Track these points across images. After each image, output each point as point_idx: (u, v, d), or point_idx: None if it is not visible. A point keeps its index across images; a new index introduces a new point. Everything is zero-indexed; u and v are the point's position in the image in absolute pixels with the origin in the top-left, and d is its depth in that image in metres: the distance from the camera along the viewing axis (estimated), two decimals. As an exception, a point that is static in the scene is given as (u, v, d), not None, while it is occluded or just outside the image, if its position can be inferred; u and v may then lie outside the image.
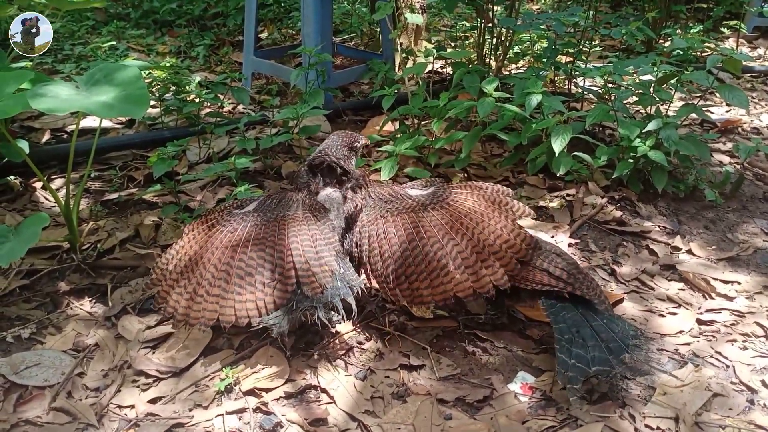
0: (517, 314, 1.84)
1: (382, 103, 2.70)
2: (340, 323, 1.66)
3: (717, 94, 2.69)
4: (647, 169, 2.47)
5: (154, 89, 2.85)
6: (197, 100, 2.85)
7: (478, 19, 3.41)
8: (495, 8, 3.26)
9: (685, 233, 2.30)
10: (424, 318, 1.82)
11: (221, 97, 2.98)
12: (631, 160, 2.43)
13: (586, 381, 1.51)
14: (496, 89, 2.46)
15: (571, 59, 3.13)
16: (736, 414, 1.52)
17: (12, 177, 2.45)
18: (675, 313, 1.88)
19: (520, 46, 3.92)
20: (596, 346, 1.52)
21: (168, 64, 2.96)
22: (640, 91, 2.56)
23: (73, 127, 2.82)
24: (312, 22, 3.10)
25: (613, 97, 2.57)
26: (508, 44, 3.38)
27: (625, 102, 2.64)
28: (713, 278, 2.03)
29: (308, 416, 1.50)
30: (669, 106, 2.78)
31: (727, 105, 3.44)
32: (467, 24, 4.48)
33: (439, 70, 3.81)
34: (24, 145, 2.22)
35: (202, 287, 1.56)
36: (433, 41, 4.20)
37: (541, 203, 2.43)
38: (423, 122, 2.90)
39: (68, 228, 2.02)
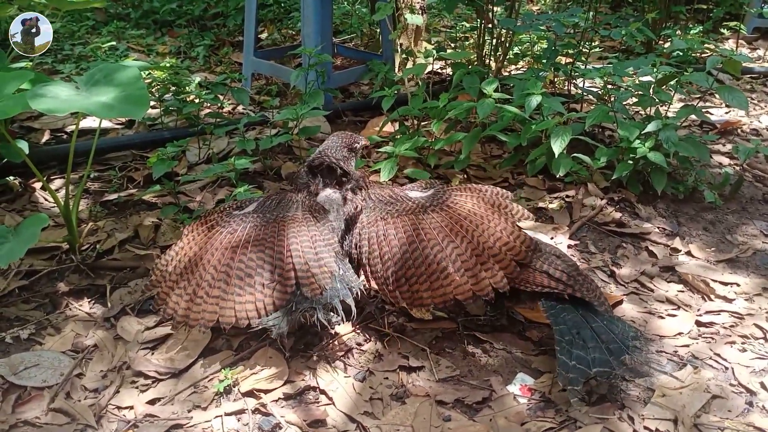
0: (516, 316, 1.84)
1: (382, 104, 2.70)
2: (339, 324, 1.66)
3: (716, 96, 2.69)
4: (647, 170, 2.47)
5: (153, 90, 2.85)
6: (197, 101, 2.85)
7: (478, 20, 3.41)
8: (495, 9, 3.26)
9: (685, 235, 2.30)
10: (424, 319, 1.82)
11: (221, 97, 2.98)
12: (631, 162, 2.43)
13: (587, 382, 1.51)
14: (495, 90, 2.46)
15: (571, 60, 3.13)
16: (735, 416, 1.52)
17: (11, 177, 2.45)
18: (674, 315, 1.89)
19: (519, 47, 3.92)
20: (596, 347, 1.52)
21: (168, 65, 2.96)
22: (640, 93, 2.56)
23: (73, 127, 2.82)
24: (312, 22, 3.10)
25: (612, 99, 2.57)
26: (507, 45, 3.38)
27: (624, 103, 2.64)
28: (712, 280, 2.03)
29: (307, 417, 1.50)
30: (668, 108, 2.78)
31: (727, 106, 3.44)
32: (467, 25, 4.48)
33: (439, 71, 3.81)
34: (23, 146, 2.21)
35: (202, 288, 1.56)
36: (433, 42, 4.20)
37: (541, 204, 2.43)
38: (423, 123, 2.90)
39: (67, 229, 2.02)
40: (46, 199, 2.42)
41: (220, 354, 1.69)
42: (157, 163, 2.31)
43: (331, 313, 1.59)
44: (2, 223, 2.20)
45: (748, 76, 4.01)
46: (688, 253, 2.19)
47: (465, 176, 2.63)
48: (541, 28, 3.18)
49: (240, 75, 3.45)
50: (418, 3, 3.41)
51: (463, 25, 4.48)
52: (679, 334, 1.80)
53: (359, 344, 1.74)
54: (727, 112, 3.41)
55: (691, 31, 4.20)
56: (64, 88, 1.76)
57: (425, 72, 2.97)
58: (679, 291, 2.00)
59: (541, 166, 2.56)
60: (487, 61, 3.41)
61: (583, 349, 1.51)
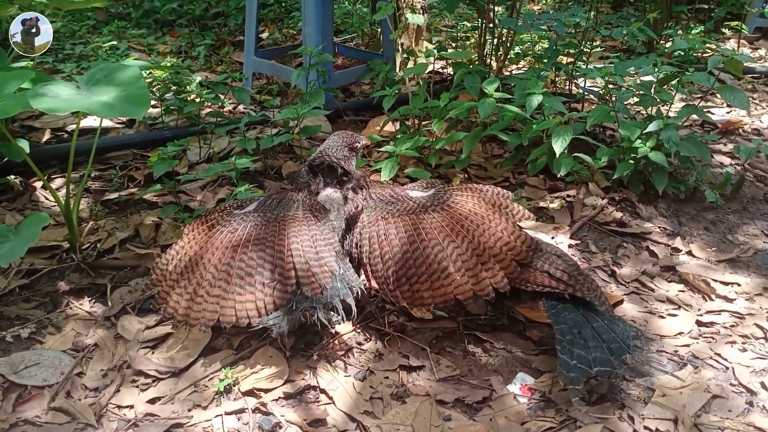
0: (516, 315, 1.83)
1: (383, 104, 2.70)
2: (339, 324, 1.66)
3: (718, 95, 2.69)
4: (648, 170, 2.47)
5: (154, 89, 2.85)
6: (198, 100, 2.85)
7: (479, 20, 3.41)
8: (496, 9, 3.26)
9: (686, 234, 2.30)
10: (424, 319, 1.82)
11: (222, 97, 2.98)
12: (632, 161, 2.42)
13: (587, 382, 1.51)
14: (496, 90, 2.46)
15: (572, 60, 3.12)
16: (735, 416, 1.52)
17: (12, 176, 2.45)
18: (675, 315, 1.88)
19: (521, 47, 3.92)
20: (597, 346, 1.52)
21: (169, 64, 2.96)
22: (641, 92, 2.56)
23: (74, 126, 2.82)
24: (313, 22, 3.10)
25: (614, 98, 2.57)
26: (509, 45, 3.38)
27: (626, 103, 2.64)
28: (713, 280, 2.03)
29: (307, 417, 1.50)
30: (670, 107, 2.78)
31: (728, 106, 3.44)
32: (468, 24, 4.48)
33: (440, 70, 3.81)
34: (24, 145, 2.22)
35: (203, 288, 1.56)
36: (434, 42, 4.20)
37: (542, 204, 2.42)
38: (423, 123, 2.90)
39: (68, 228, 2.02)
40: (46, 198, 2.42)
41: (220, 353, 1.69)
42: (158, 163, 2.31)
43: (332, 313, 1.59)
44: (3, 222, 2.20)
45: (750, 75, 4.01)
46: (689, 253, 2.19)
47: (466, 176, 2.63)
48: (543, 27, 3.18)
49: (241, 74, 3.45)
50: (419, 2, 3.41)
51: (464, 24, 4.48)
52: (680, 333, 1.80)
53: (359, 343, 1.74)
54: (728, 112, 3.41)
55: (693, 31, 4.20)
56: (65, 88, 1.76)
57: (426, 71, 2.97)
58: (679, 291, 2.00)
59: (542, 166, 2.56)
60: (488, 60, 3.40)
61: (584, 349, 1.51)
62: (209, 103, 2.93)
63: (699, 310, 1.91)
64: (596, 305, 1.62)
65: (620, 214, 2.36)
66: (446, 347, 1.74)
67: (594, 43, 3.54)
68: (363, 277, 1.70)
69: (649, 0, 4.81)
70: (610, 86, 2.77)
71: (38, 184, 2.49)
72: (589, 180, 2.53)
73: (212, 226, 1.70)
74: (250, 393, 1.56)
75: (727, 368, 1.68)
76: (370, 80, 3.66)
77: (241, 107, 3.29)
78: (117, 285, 1.96)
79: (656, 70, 2.50)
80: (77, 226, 2.04)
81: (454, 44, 4.20)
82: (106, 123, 2.98)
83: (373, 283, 1.69)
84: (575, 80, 3.18)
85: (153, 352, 1.70)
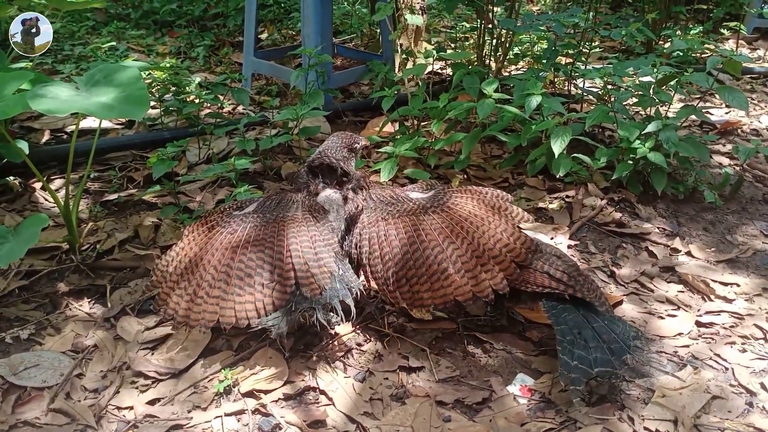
0: (516, 316, 1.84)
1: (382, 104, 2.70)
2: (339, 325, 1.66)
3: (717, 96, 2.69)
4: (647, 170, 2.47)
5: (153, 90, 2.85)
6: (197, 101, 2.85)
7: (478, 20, 3.41)
8: (495, 9, 3.26)
9: (685, 235, 2.30)
10: (423, 320, 1.82)
11: (221, 97, 2.98)
12: (631, 162, 2.43)
13: (588, 382, 1.51)
14: (495, 90, 2.46)
15: (571, 60, 3.12)
16: (734, 416, 1.52)
17: (11, 177, 2.45)
18: (674, 315, 1.88)
19: (519, 48, 3.92)
20: (598, 347, 1.52)
21: (168, 65, 2.96)
22: (640, 93, 2.56)
23: (73, 127, 2.82)
24: (312, 22, 3.10)
25: (612, 99, 2.57)
26: (507, 45, 3.38)
27: (624, 103, 2.64)
28: (712, 280, 2.03)
29: (307, 418, 1.50)
30: (669, 108, 2.78)
31: (727, 106, 3.44)
32: (467, 25, 4.48)
33: (439, 71, 3.81)
34: (24, 146, 2.21)
35: (203, 289, 1.56)
36: (433, 42, 4.20)
37: (541, 205, 2.43)
38: (423, 123, 2.90)
39: (67, 229, 2.02)
40: (46, 199, 2.42)
41: (220, 354, 1.69)
42: (157, 163, 2.31)
43: (331, 314, 1.59)
44: (2, 223, 2.20)
45: (748, 76, 4.01)
46: (688, 254, 2.19)
47: (465, 176, 2.63)
48: (541, 28, 3.18)
49: (240, 75, 3.45)
50: (418, 3, 3.40)
51: (463, 25, 4.48)
52: (679, 334, 1.80)
53: (359, 344, 1.74)
54: (727, 113, 3.41)
55: (691, 32, 4.20)
56: (64, 89, 1.76)
57: (425, 72, 2.97)
58: (679, 291, 2.00)
59: (541, 167, 2.56)
60: (487, 61, 3.41)
61: (585, 349, 1.51)
62: (208, 104, 2.92)
63: (698, 310, 1.91)
64: (596, 306, 1.62)
65: (619, 214, 2.36)
66: (446, 348, 1.74)
67: (593, 44, 3.54)
68: (362, 277, 1.70)
69: (647, 0, 4.81)
70: (609, 87, 2.77)
71: (37, 185, 2.49)
72: (588, 180, 2.53)
73: (212, 227, 1.70)
74: (249, 394, 1.56)
75: (726, 369, 1.68)
76: (369, 81, 3.67)
77: (240, 108, 3.29)
78: (116, 286, 1.96)
79: (655, 70, 2.50)
80: (77, 227, 2.04)
81: (453, 45, 4.20)
82: (106, 124, 2.98)
83: (373, 284, 1.69)
84: (574, 81, 3.18)
85: (152, 354, 1.70)
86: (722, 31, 4.49)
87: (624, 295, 1.97)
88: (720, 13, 4.77)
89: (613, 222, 2.33)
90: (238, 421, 1.50)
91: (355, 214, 1.77)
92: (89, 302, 1.90)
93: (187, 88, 2.88)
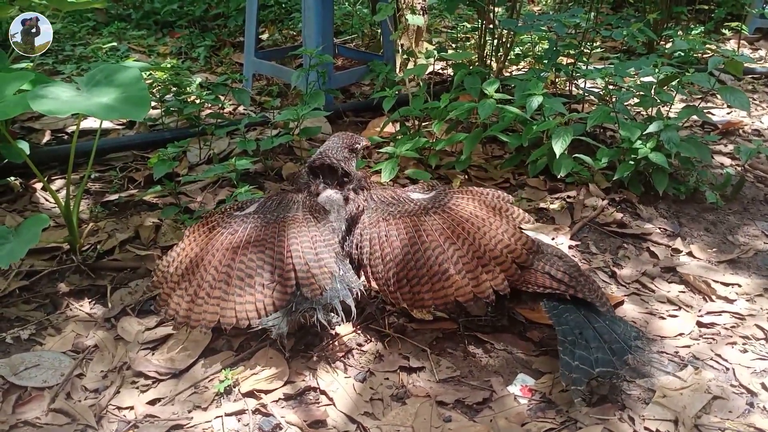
0: (517, 316, 1.83)
1: (383, 105, 2.70)
2: (339, 325, 1.66)
3: (718, 96, 2.68)
4: (648, 171, 2.47)
5: (154, 90, 2.85)
6: (198, 101, 2.85)
7: (479, 21, 3.41)
8: (496, 9, 3.26)
9: (686, 235, 2.30)
10: (424, 320, 1.82)
11: (222, 98, 2.98)
12: (632, 162, 2.42)
13: (589, 382, 1.51)
14: (497, 91, 2.46)
15: (572, 61, 3.12)
16: (735, 417, 1.52)
17: (12, 178, 2.46)
18: (675, 316, 1.88)
19: (521, 48, 3.92)
20: (599, 347, 1.51)
21: (169, 65, 2.96)
22: (642, 93, 2.56)
23: (74, 128, 2.82)
24: (313, 23, 3.10)
25: (614, 99, 2.57)
26: (509, 46, 3.38)
27: (626, 104, 2.64)
28: (714, 280, 2.03)
29: (307, 418, 1.50)
30: (670, 108, 2.78)
31: (729, 107, 3.44)
32: (468, 25, 4.48)
33: (440, 71, 3.81)
34: (24, 146, 2.21)
35: (203, 289, 1.56)
36: (434, 42, 4.20)
37: (542, 205, 2.42)
38: (424, 124, 2.90)
39: (68, 229, 2.02)
40: (46, 200, 2.42)
41: (220, 354, 1.69)
42: (158, 164, 2.31)
43: (332, 314, 1.58)
44: (3, 223, 2.20)
45: (750, 76, 4.01)
46: (690, 254, 2.19)
47: (466, 177, 2.63)
48: (543, 28, 3.18)
49: (241, 75, 3.45)
50: (419, 3, 3.40)
51: (464, 25, 4.48)
52: (680, 334, 1.80)
53: (360, 345, 1.74)
54: (728, 113, 3.41)
55: (693, 32, 4.20)
56: (65, 89, 1.76)
57: (426, 72, 2.97)
58: (680, 291, 2.00)
59: (543, 167, 2.56)
60: (488, 61, 3.41)
61: (586, 349, 1.51)
62: (209, 105, 2.92)
63: (699, 311, 1.90)
64: (597, 306, 1.62)
65: (621, 215, 2.36)
66: (446, 348, 1.73)
67: (594, 44, 3.54)
68: (363, 278, 1.69)
69: (649, 1, 4.81)
70: (611, 87, 2.77)
71: (38, 186, 2.49)
72: (589, 181, 2.53)
73: (213, 228, 1.69)
74: (250, 394, 1.56)
75: (727, 369, 1.67)
76: (370, 81, 3.67)
77: (241, 108, 3.29)
78: (117, 286, 1.96)
79: (656, 70, 2.50)
80: (77, 227, 2.04)
81: (454, 45, 4.20)
82: (106, 124, 2.98)
83: (374, 285, 1.69)
84: (575, 81, 3.18)
85: (153, 354, 1.70)
86: (724, 31, 4.49)
87: (625, 295, 1.96)
88: (721, 13, 4.77)
89: (614, 222, 2.33)
90: (239, 421, 1.50)
91: (356, 214, 1.77)
92: (90, 302, 1.90)
93: (187, 88, 2.88)
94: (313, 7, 3.07)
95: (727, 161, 2.84)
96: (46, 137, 2.88)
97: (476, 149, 2.71)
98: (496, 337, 1.76)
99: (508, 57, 3.46)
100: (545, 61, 3.02)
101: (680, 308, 1.92)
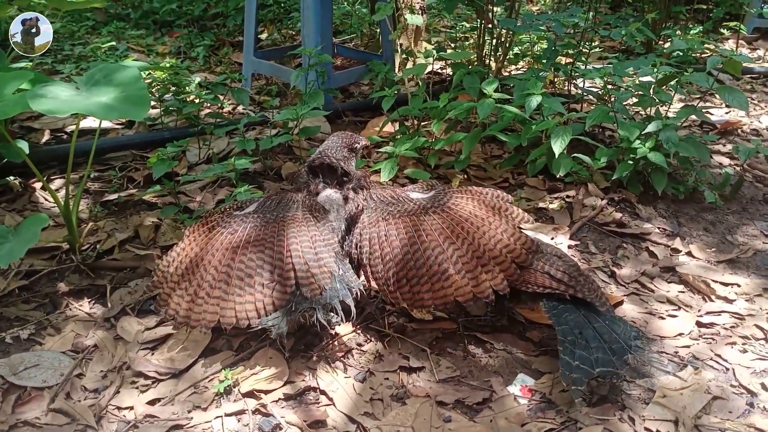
0: (517, 316, 1.83)
1: (382, 104, 2.70)
2: (339, 325, 1.66)
3: (717, 96, 2.69)
4: (647, 170, 2.47)
5: (153, 90, 2.85)
6: (197, 101, 2.85)
7: (478, 20, 3.41)
8: (495, 9, 3.26)
9: (685, 235, 2.30)
10: (424, 320, 1.82)
11: (221, 97, 2.98)
12: (631, 162, 2.43)
13: (589, 382, 1.51)
14: (495, 90, 2.46)
15: (571, 60, 3.12)
16: (735, 417, 1.52)
17: (11, 177, 2.45)
18: (675, 316, 1.88)
19: (519, 47, 3.92)
20: (599, 347, 1.52)
21: (168, 65, 2.96)
22: (640, 93, 2.56)
23: (73, 127, 2.82)
24: (312, 22, 3.10)
25: (612, 99, 2.57)
26: (507, 45, 3.38)
27: (624, 103, 2.64)
28: (713, 280, 2.03)
29: (307, 418, 1.50)
30: (669, 108, 2.78)
31: (727, 106, 3.44)
32: (467, 25, 4.48)
33: (439, 71, 3.81)
34: (24, 146, 2.21)
35: (203, 289, 1.56)
36: (433, 42, 4.20)
37: (541, 205, 2.42)
38: (423, 123, 2.90)
39: (68, 229, 2.02)
40: (46, 199, 2.42)
41: (220, 354, 1.69)
42: (157, 163, 2.31)
43: (331, 314, 1.58)
44: (2, 223, 2.20)
45: (748, 76, 4.02)
46: (689, 254, 2.19)
47: (465, 176, 2.63)
48: (541, 28, 3.18)
49: (240, 75, 3.45)
50: (418, 3, 3.40)
51: (463, 25, 4.48)
52: (680, 334, 1.80)
53: (359, 345, 1.74)
54: (727, 113, 3.41)
55: (691, 32, 4.20)
56: (65, 89, 1.76)
57: (425, 72, 2.97)
58: (679, 291, 2.00)
59: (542, 167, 2.56)
60: (487, 61, 3.41)
61: (586, 349, 1.51)
62: (208, 104, 2.92)
63: (699, 311, 1.91)
64: (597, 306, 1.62)
65: (620, 214, 2.36)
66: (446, 348, 1.74)
67: (593, 44, 3.54)
68: (363, 278, 1.69)
69: (647, 0, 4.81)
70: (609, 87, 2.77)
71: (38, 185, 2.48)
72: (588, 180, 2.53)
73: (212, 227, 1.69)
74: (250, 394, 1.56)
75: (727, 369, 1.68)
76: (369, 81, 3.66)
77: (240, 108, 3.29)
78: (116, 286, 1.96)
79: (655, 70, 2.50)
80: (77, 227, 2.04)
81: (453, 45, 4.20)
82: (106, 124, 2.98)
83: (373, 284, 1.69)
84: (574, 81, 3.18)
85: (153, 354, 1.70)
86: (722, 31, 4.49)
87: (624, 295, 1.97)
88: (720, 13, 4.78)
89: (613, 222, 2.33)
90: (239, 421, 1.50)
91: (355, 214, 1.77)
92: (89, 302, 1.90)
93: (187, 88, 2.88)
94: (311, 7, 3.07)
95: (725, 161, 2.85)
96: (46, 137, 2.88)
97: (475, 149, 2.71)
98: (496, 337, 1.76)
99: (507, 56, 3.46)
100: (544, 61, 3.02)
101: (680, 308, 1.92)
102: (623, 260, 2.15)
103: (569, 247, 2.18)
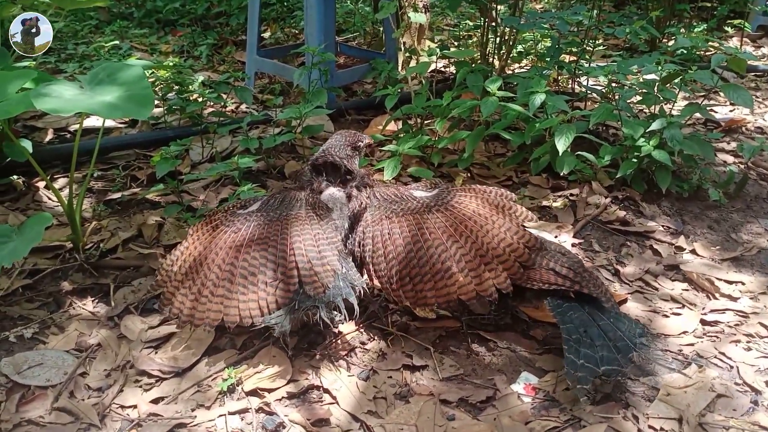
0: (520, 314, 1.83)
1: (385, 103, 2.69)
2: (342, 323, 1.66)
3: (721, 94, 2.68)
4: (651, 168, 2.46)
5: (157, 89, 2.85)
6: (200, 100, 2.85)
7: (482, 18, 3.40)
8: (498, 7, 3.26)
9: (689, 233, 2.30)
10: (427, 318, 1.82)
11: (224, 96, 2.98)
12: (635, 160, 2.42)
13: (594, 381, 1.50)
14: (499, 88, 2.45)
15: (575, 58, 3.12)
16: (739, 415, 1.51)
17: (15, 176, 2.46)
18: (679, 314, 1.88)
19: (523, 45, 3.91)
20: (604, 345, 1.51)
21: (171, 64, 2.96)
22: (644, 91, 2.56)
23: (77, 126, 2.82)
24: (315, 21, 3.10)
25: (616, 97, 2.57)
26: (511, 43, 3.37)
27: (628, 101, 2.63)
28: (717, 278, 2.03)
29: (311, 417, 1.49)
30: (673, 106, 2.77)
31: (732, 104, 3.43)
32: (470, 23, 4.48)
33: (443, 69, 3.80)
34: (27, 145, 2.22)
35: (207, 288, 1.56)
36: (436, 40, 4.20)
37: (545, 203, 2.42)
38: (426, 122, 2.90)
39: (71, 227, 2.02)
40: (49, 198, 2.43)
41: (223, 353, 1.69)
42: (161, 162, 2.31)
43: (334, 312, 1.58)
44: (6, 222, 2.20)
45: (753, 74, 4.00)
46: (693, 252, 2.19)
47: (468, 174, 2.62)
48: (545, 26, 3.17)
49: (243, 74, 3.45)
50: (422, 1, 3.40)
51: (466, 23, 4.47)
52: (684, 332, 1.80)
53: (363, 343, 1.74)
54: (731, 110, 3.40)
55: (695, 29, 4.19)
56: (68, 88, 1.76)
57: (428, 70, 2.97)
58: (683, 289, 2.00)
59: (545, 165, 2.55)
60: (491, 59, 3.40)
61: (591, 348, 1.51)
62: (212, 103, 2.93)
63: (703, 308, 1.90)
64: (602, 301, 1.62)
65: (623, 212, 2.36)
66: (450, 347, 1.73)
67: (596, 42, 3.53)
68: (366, 276, 1.69)
69: (651, -2, 4.80)
70: (613, 85, 2.76)
71: (41, 184, 2.49)
72: (592, 179, 2.52)
73: (216, 226, 1.70)
74: (253, 393, 1.56)
75: (731, 367, 1.67)
76: (372, 79, 3.66)
77: (243, 107, 3.29)
78: (120, 285, 1.96)
79: (659, 68, 2.49)
80: (80, 226, 2.04)
81: (456, 43, 4.19)
82: (109, 123, 2.98)
83: (376, 283, 1.69)
84: (578, 79, 3.17)
85: (156, 352, 1.70)
86: (726, 28, 4.48)
87: (628, 293, 1.96)
88: (724, 10, 4.76)
89: (617, 220, 2.32)
90: (242, 419, 1.50)
91: (358, 212, 1.76)
92: (93, 301, 1.91)
93: (190, 86, 2.88)
94: (315, 5, 3.06)
95: (730, 159, 2.84)
96: (49, 136, 2.88)
97: (479, 147, 2.71)
98: (500, 336, 1.76)
99: (511, 55, 3.45)
100: (548, 59, 3.01)
101: (684, 306, 1.91)
102: (627, 258, 2.15)
103: (573, 245, 2.17)
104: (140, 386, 1.59)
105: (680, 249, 2.20)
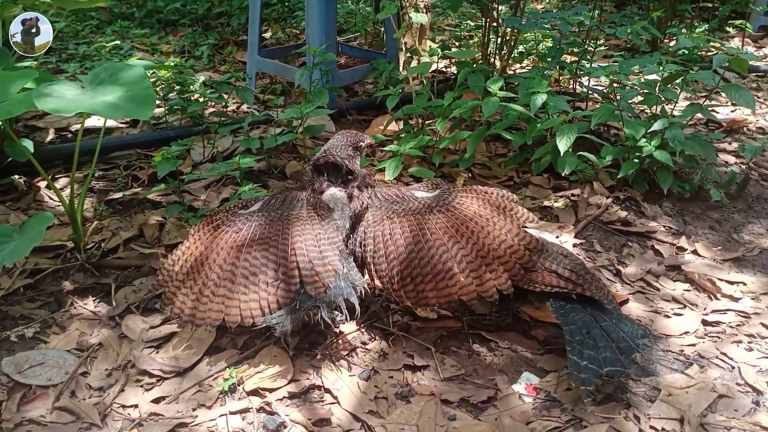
0: (521, 314, 1.83)
1: (387, 103, 2.69)
2: (343, 323, 1.66)
3: (723, 94, 2.68)
4: (652, 169, 2.46)
5: (158, 89, 2.85)
6: (201, 100, 2.85)
7: (483, 19, 3.40)
8: (499, 7, 3.26)
9: (691, 233, 2.29)
10: (428, 318, 1.82)
11: (225, 96, 2.98)
12: (637, 160, 2.42)
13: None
14: (500, 89, 2.45)
15: (576, 59, 3.12)
16: (741, 415, 1.51)
17: (16, 176, 2.46)
18: (680, 314, 1.88)
19: (524, 46, 3.92)
20: (607, 346, 1.51)
21: (172, 64, 2.96)
22: (646, 91, 2.55)
23: (78, 126, 2.82)
24: (316, 21, 3.10)
25: (618, 97, 2.57)
26: (512, 43, 3.37)
27: (630, 101, 2.63)
28: (719, 279, 2.02)
29: (312, 416, 1.49)
30: (674, 106, 2.77)
31: (733, 105, 3.43)
32: (472, 23, 4.48)
33: (444, 69, 3.80)
34: (28, 145, 2.22)
35: (208, 288, 1.56)
36: (437, 41, 4.20)
37: (546, 203, 2.42)
38: (427, 122, 2.90)
39: (72, 227, 2.02)
40: (51, 198, 2.43)
41: (224, 353, 1.69)
42: (162, 162, 2.31)
43: (336, 312, 1.58)
44: (7, 221, 2.20)
45: (754, 74, 4.00)
46: (694, 252, 2.19)
47: (470, 175, 2.62)
48: (546, 26, 3.17)
49: (244, 74, 3.45)
50: (423, 2, 3.40)
51: (467, 23, 4.47)
52: (686, 333, 1.79)
53: (364, 343, 1.74)
54: (733, 111, 3.40)
55: (697, 30, 4.19)
56: (70, 88, 1.76)
57: (430, 71, 2.97)
58: (685, 290, 1.99)
59: (547, 165, 2.55)
60: (492, 59, 3.40)
61: (594, 349, 1.50)
62: (213, 103, 2.93)
63: (705, 309, 1.90)
64: (604, 304, 1.62)
65: (625, 213, 2.36)
66: (451, 347, 1.73)
67: (598, 42, 3.53)
68: (367, 276, 1.69)
69: (653, -2, 4.80)
70: (615, 85, 2.76)
71: (42, 184, 2.49)
72: (593, 179, 2.52)
73: (217, 226, 1.70)
74: (254, 392, 1.56)
75: (733, 367, 1.67)
76: (373, 79, 3.66)
77: (244, 107, 3.29)
78: (121, 284, 1.96)
79: (661, 68, 2.49)
80: (81, 225, 2.04)
81: (457, 43, 4.19)
82: (110, 123, 2.98)
83: (377, 283, 1.69)
84: (579, 79, 3.17)
85: (157, 352, 1.70)
86: (728, 29, 4.48)
87: (630, 293, 1.96)
88: (725, 11, 4.76)
89: (618, 220, 2.32)
90: (243, 419, 1.50)
91: (360, 212, 1.76)
92: (94, 301, 1.91)
93: (191, 87, 2.88)
94: (316, 6, 3.06)
95: (731, 159, 2.84)
96: (50, 135, 2.88)
97: (480, 147, 2.71)
98: (501, 336, 1.76)
99: (512, 55, 3.45)
100: (549, 59, 3.01)
101: (685, 306, 1.91)
102: (628, 259, 2.14)
103: (574, 245, 2.17)
104: (141, 386, 1.59)
105: (682, 249, 2.20)
